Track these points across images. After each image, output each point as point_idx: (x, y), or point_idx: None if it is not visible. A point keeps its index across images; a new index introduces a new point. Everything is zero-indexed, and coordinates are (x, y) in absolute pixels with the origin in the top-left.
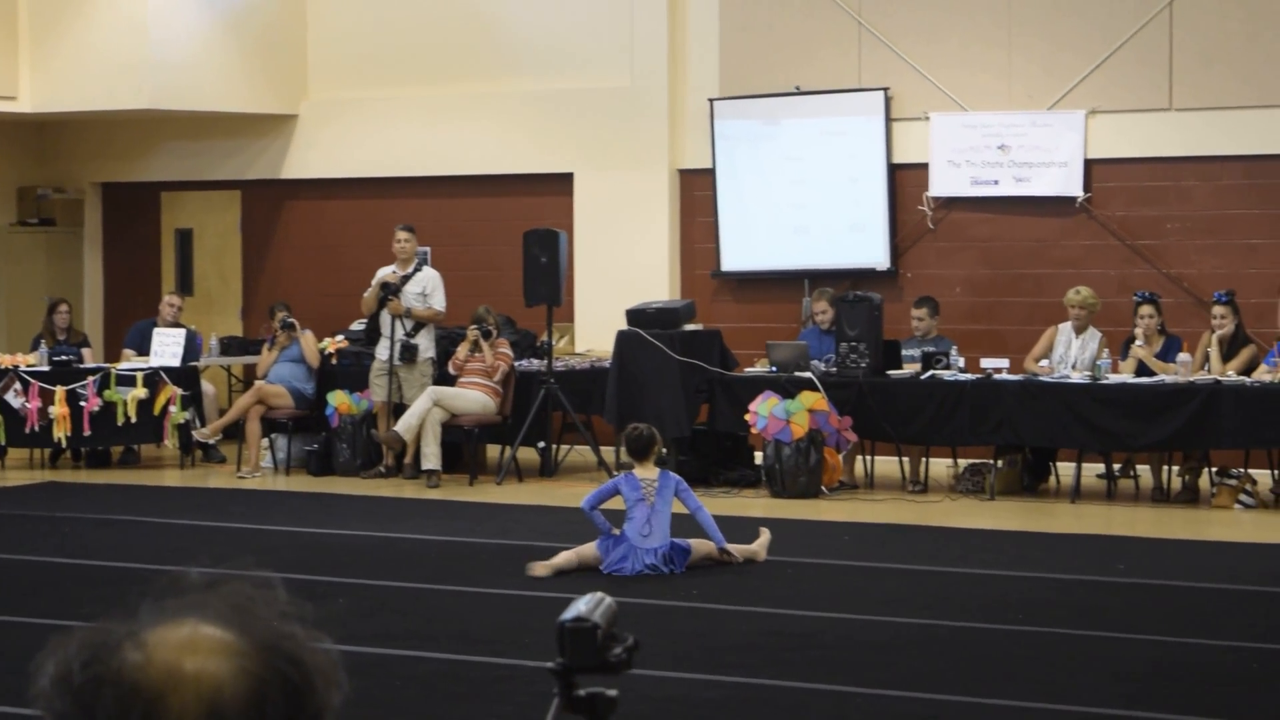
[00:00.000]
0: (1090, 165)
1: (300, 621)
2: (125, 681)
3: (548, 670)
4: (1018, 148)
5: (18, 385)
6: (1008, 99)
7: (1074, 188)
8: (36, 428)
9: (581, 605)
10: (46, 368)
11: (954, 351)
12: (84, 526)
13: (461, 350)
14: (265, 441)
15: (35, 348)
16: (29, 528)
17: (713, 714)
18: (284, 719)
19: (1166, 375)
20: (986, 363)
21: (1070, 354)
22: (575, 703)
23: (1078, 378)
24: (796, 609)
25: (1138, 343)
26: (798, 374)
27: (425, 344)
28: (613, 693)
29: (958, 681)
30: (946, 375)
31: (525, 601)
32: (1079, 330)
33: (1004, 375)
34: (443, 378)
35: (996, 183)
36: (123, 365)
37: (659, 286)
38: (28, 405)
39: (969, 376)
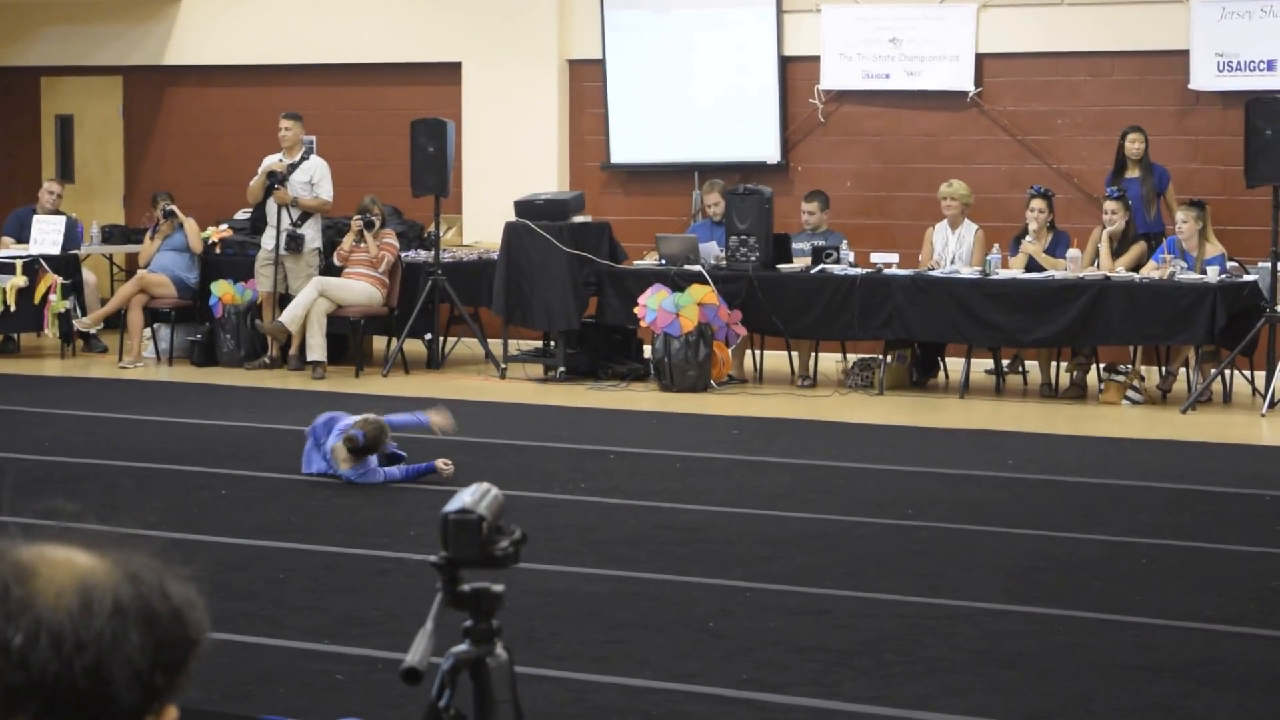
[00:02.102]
0: (981, 60)
1: (171, 567)
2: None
3: (430, 564)
4: (909, 41)
5: None
6: None
7: (965, 82)
8: None
9: (466, 496)
10: None
11: (844, 246)
12: None
13: (346, 241)
14: (148, 331)
15: None
16: None
17: (599, 608)
18: (147, 652)
19: (1056, 271)
20: (876, 257)
21: (949, 249)
22: (459, 598)
23: (968, 273)
24: (684, 503)
25: (1028, 238)
26: (687, 267)
27: (312, 234)
28: (499, 588)
29: (845, 576)
30: (836, 270)
31: (408, 494)
32: (954, 224)
33: (894, 270)
34: (329, 268)
35: (888, 76)
36: (2, 253)
37: (548, 178)
38: None
39: (859, 271)
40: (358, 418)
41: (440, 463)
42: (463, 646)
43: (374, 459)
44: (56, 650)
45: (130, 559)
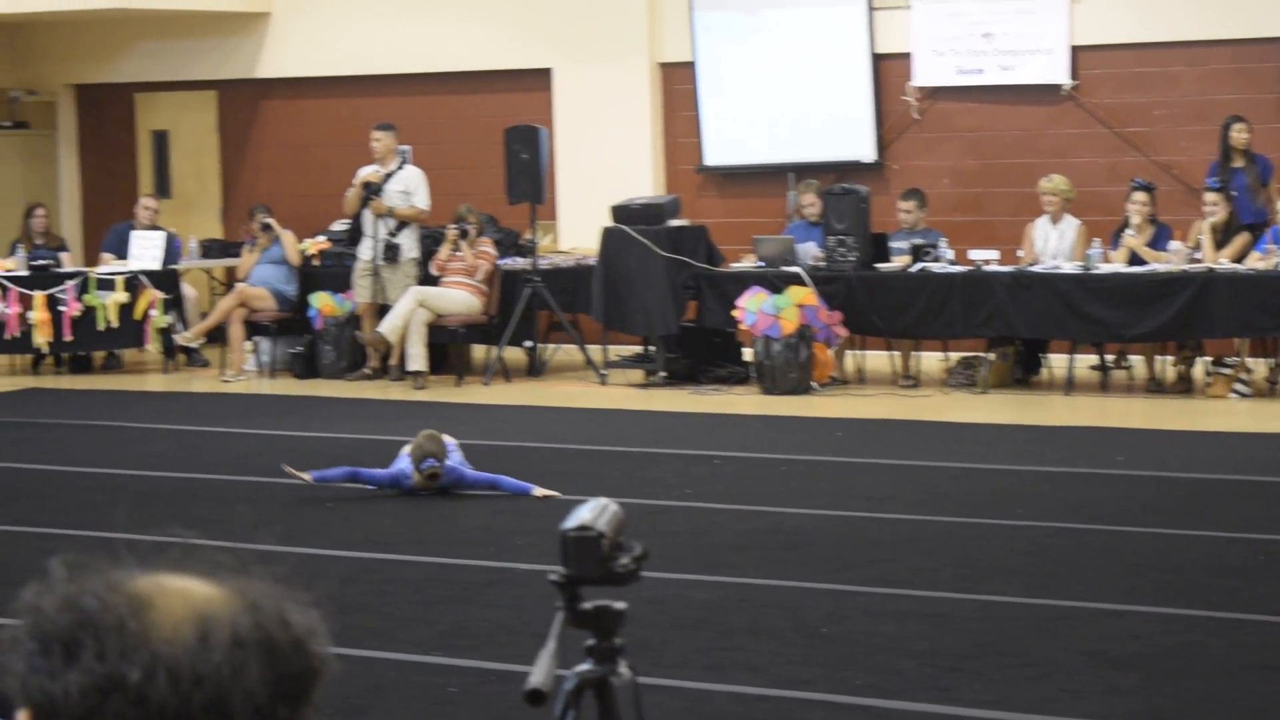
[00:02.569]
0: (1076, 52)
1: (291, 591)
2: (112, 591)
3: (550, 582)
4: (1002, 35)
5: None
6: None
7: (1060, 75)
8: (17, 333)
9: (585, 512)
10: (25, 272)
11: (943, 243)
12: (67, 433)
13: (443, 250)
14: (248, 345)
15: (13, 252)
16: (11, 434)
17: (709, 615)
18: (268, 685)
19: (1159, 264)
20: (975, 254)
21: (1049, 244)
22: (581, 617)
23: (1069, 268)
24: (790, 507)
25: (1129, 231)
26: (785, 269)
27: (408, 244)
28: (621, 605)
29: (956, 578)
30: (936, 268)
31: (514, 503)
32: (1055, 219)
33: (994, 267)
34: (426, 278)
35: (981, 71)
36: (102, 269)
37: (642, 182)
38: (7, 311)
39: (959, 268)
40: (410, 454)
41: (539, 491)
42: (586, 665)
43: (455, 459)
44: (175, 686)
45: (249, 587)
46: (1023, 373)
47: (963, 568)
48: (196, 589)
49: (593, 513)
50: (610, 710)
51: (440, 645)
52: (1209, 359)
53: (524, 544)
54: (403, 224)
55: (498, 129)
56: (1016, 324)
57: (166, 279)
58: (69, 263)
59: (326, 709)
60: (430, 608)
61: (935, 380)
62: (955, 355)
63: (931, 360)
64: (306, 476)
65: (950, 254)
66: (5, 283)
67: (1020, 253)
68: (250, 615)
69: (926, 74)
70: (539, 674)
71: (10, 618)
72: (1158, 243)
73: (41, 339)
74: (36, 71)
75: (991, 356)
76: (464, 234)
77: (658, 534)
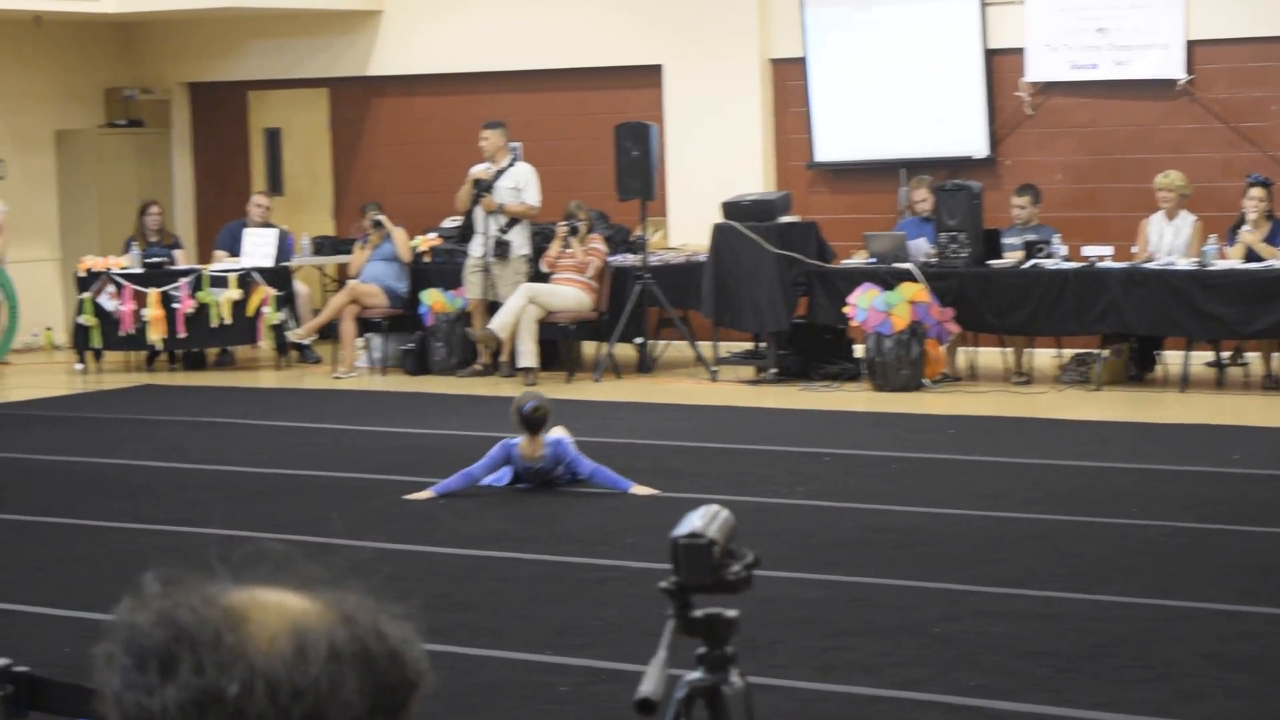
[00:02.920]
0: (1192, 46)
1: (383, 600)
2: (201, 603)
3: (661, 590)
4: (1116, 30)
5: (111, 288)
6: None
7: (1175, 70)
8: (131, 330)
9: (696, 519)
10: (139, 270)
11: (1056, 239)
12: (180, 429)
13: (553, 247)
14: (360, 341)
15: (127, 250)
16: (125, 431)
17: (820, 614)
18: (366, 696)
19: (1275, 260)
20: (1089, 250)
21: (1164, 241)
22: (692, 625)
23: (1185, 264)
24: (901, 505)
25: (1245, 227)
26: (896, 265)
27: (519, 240)
28: (732, 613)
29: (1070, 578)
30: (1049, 264)
31: (625, 500)
32: (1170, 215)
33: (1108, 263)
34: (538, 274)
35: (1095, 66)
36: (215, 266)
37: (752, 178)
38: (121, 308)
39: (1072, 265)
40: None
41: (638, 489)
42: (697, 674)
43: (567, 442)
44: (273, 699)
45: (344, 599)
46: (1137, 370)
47: (1077, 567)
48: (291, 602)
49: (704, 519)
50: (722, 719)
51: (551, 644)
52: None
53: (635, 542)
54: (514, 221)
55: (608, 125)
56: (1131, 320)
57: (279, 276)
58: (183, 260)
59: (438, 708)
60: (541, 606)
61: (1048, 377)
62: (1068, 352)
63: (1044, 357)
64: (428, 494)
65: (1064, 250)
66: (120, 280)
67: (1135, 249)
68: (346, 627)
69: (1040, 69)
70: (649, 683)
71: (106, 635)
72: (1274, 238)
73: (155, 336)
74: (151, 70)
75: (1105, 353)
76: (574, 230)
77: (768, 532)
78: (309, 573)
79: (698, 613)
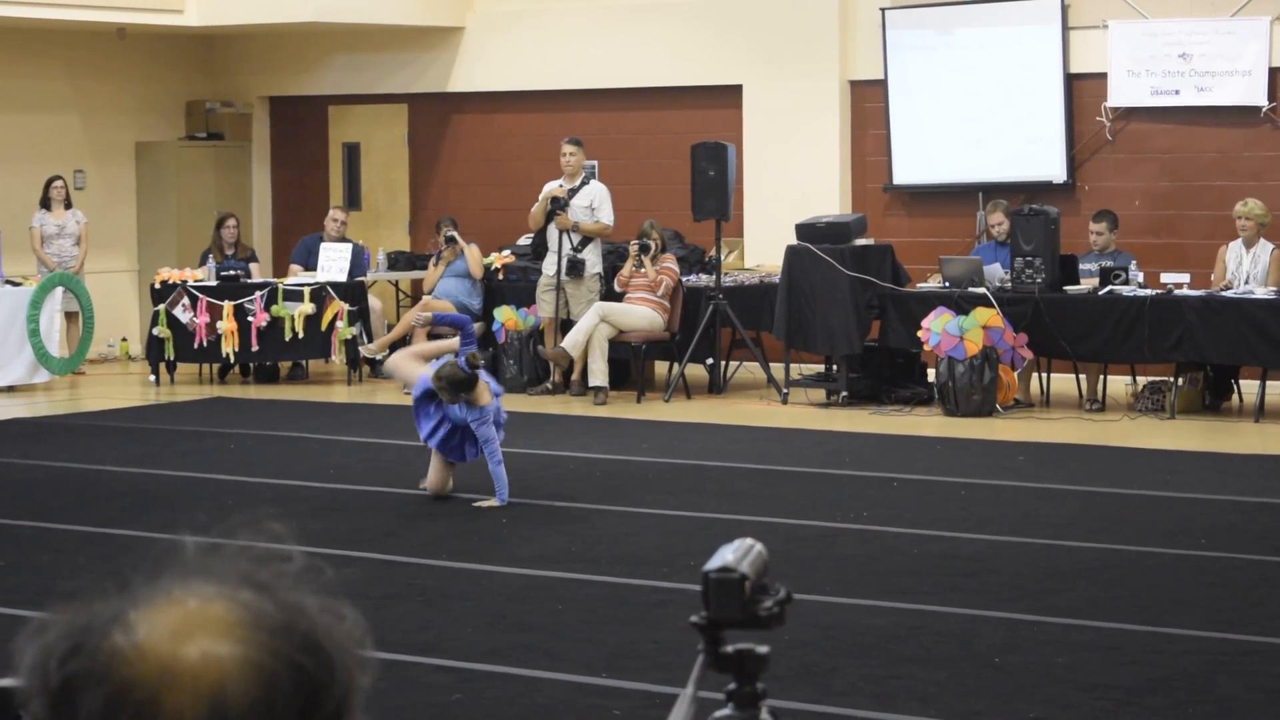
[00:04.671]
0: (1275, 74)
1: (317, 592)
2: (113, 679)
3: (691, 624)
4: (1200, 56)
5: (186, 300)
6: (1189, 5)
7: (1258, 97)
8: (204, 343)
9: (728, 554)
10: (214, 283)
11: (1133, 266)
12: (250, 442)
13: (626, 266)
14: None
15: (203, 263)
16: (195, 443)
17: (880, 641)
18: (298, 716)
19: None
20: (1167, 277)
21: (1242, 269)
22: (722, 660)
23: (1262, 293)
24: (969, 532)
25: None
26: (971, 289)
27: (593, 259)
28: (764, 649)
29: (1135, 609)
30: (1125, 291)
31: (690, 522)
32: (1248, 244)
33: (1185, 290)
34: (610, 293)
35: (1177, 92)
36: (290, 280)
37: (829, 200)
38: (195, 320)
39: (1149, 292)
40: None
41: (485, 503)
42: (726, 711)
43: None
44: None
45: (276, 609)
46: (1212, 399)
47: (1143, 599)
48: (210, 662)
49: (736, 554)
50: None
51: (608, 666)
52: None
53: (696, 565)
54: (587, 239)
55: (685, 145)
56: (1206, 349)
57: (353, 291)
58: (258, 273)
59: None
60: (600, 628)
61: (1122, 405)
62: (1143, 380)
63: (1118, 384)
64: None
65: (1140, 277)
66: (195, 292)
67: (1212, 276)
68: (269, 647)
69: (1121, 94)
70: (676, 718)
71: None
72: None
73: (228, 349)
74: (232, 84)
75: (1180, 382)
76: (645, 249)
77: (832, 557)
78: (234, 566)
79: (728, 648)
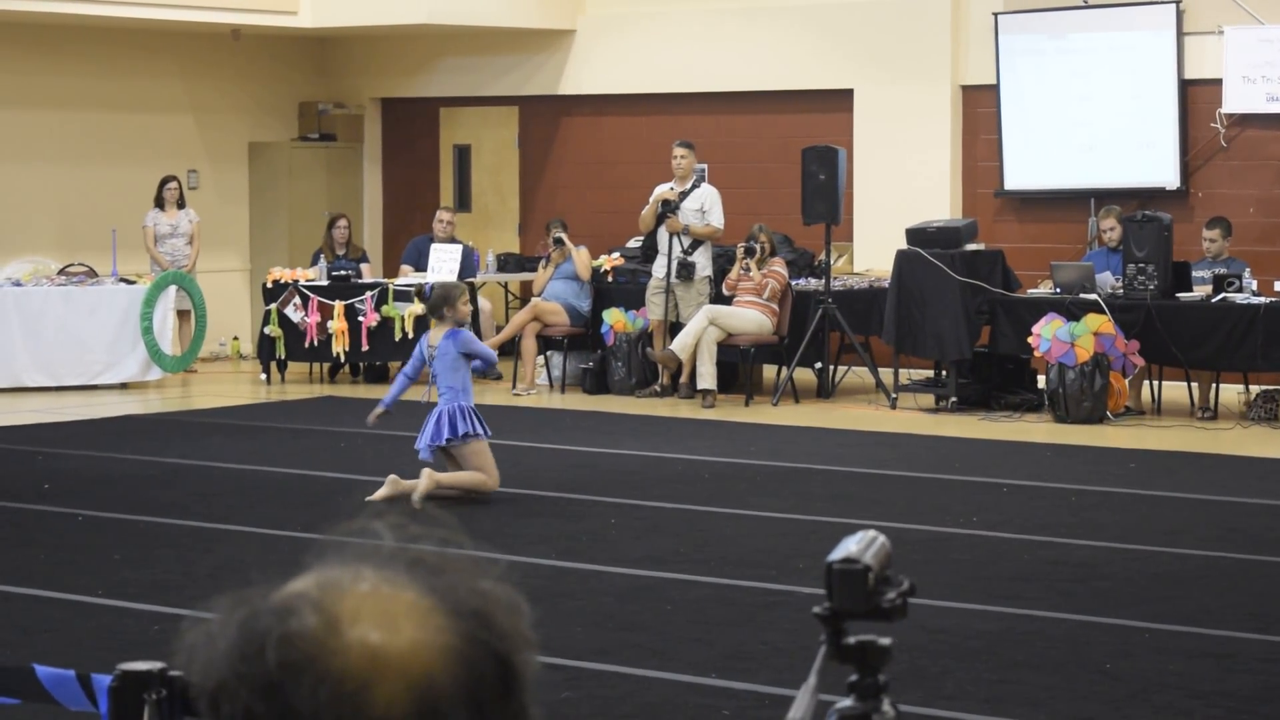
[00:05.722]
0: None
1: (491, 577)
2: (322, 670)
3: (814, 615)
4: None
5: (297, 299)
6: None
7: None
8: (315, 342)
9: (852, 545)
10: (325, 282)
11: (1247, 274)
12: (360, 441)
13: (735, 269)
14: (541, 359)
15: (315, 262)
16: (306, 442)
17: (990, 646)
18: (498, 700)
19: None
20: None
21: None
22: (844, 651)
23: None
24: (1079, 539)
25: None
26: (1083, 295)
27: (703, 262)
28: (886, 641)
29: (1248, 617)
30: (1239, 298)
31: (798, 525)
32: None
33: None
34: (718, 296)
35: None
36: (400, 281)
37: (940, 205)
38: (307, 320)
39: (1263, 300)
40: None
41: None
42: (847, 702)
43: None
44: None
45: (463, 594)
46: None
47: (1256, 607)
48: (417, 651)
49: (860, 545)
50: None
51: (717, 667)
52: None
53: (805, 567)
54: (697, 242)
55: (796, 149)
56: None
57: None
58: (368, 274)
59: None
60: (709, 628)
61: (1234, 413)
62: (1255, 388)
63: (1230, 393)
64: (380, 410)
65: (1254, 284)
66: (306, 292)
67: None
68: (463, 631)
69: (1236, 100)
70: (799, 709)
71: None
72: None
73: (339, 348)
74: (344, 85)
75: None
76: (750, 251)
77: (942, 561)
78: (415, 553)
79: (850, 639)
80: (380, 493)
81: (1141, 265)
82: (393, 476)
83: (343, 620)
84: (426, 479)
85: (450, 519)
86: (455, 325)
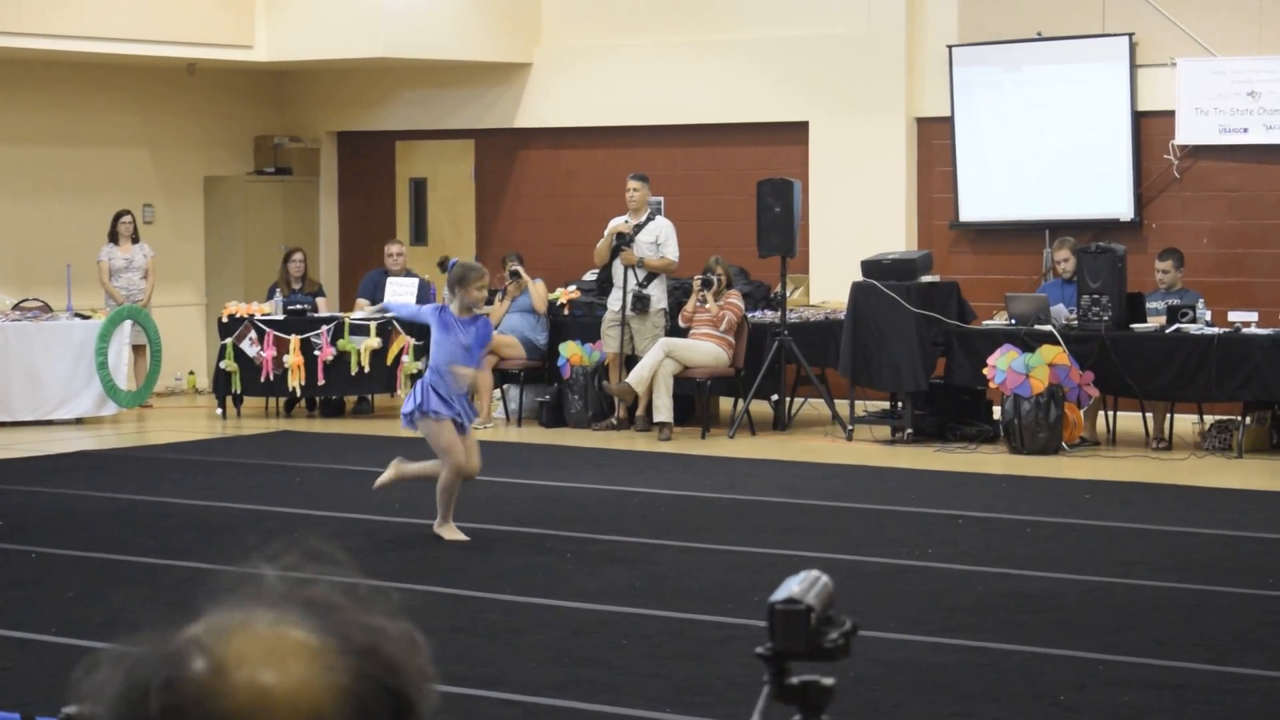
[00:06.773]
0: None
1: (385, 612)
2: (211, 713)
3: (756, 655)
4: (1268, 94)
5: (253, 334)
6: (1258, 43)
7: None
8: (271, 376)
9: (794, 585)
10: (281, 316)
11: (1200, 304)
12: (316, 476)
13: (690, 302)
14: (497, 392)
15: (271, 296)
16: (262, 476)
17: (945, 678)
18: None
19: None
20: (1235, 316)
21: None
22: (788, 691)
23: None
24: (1034, 570)
25: None
26: (1038, 327)
27: (658, 295)
28: (829, 681)
29: (1202, 649)
30: (1193, 329)
31: (754, 558)
32: None
33: (1253, 329)
34: (675, 329)
35: (1246, 130)
36: (356, 314)
37: (895, 237)
38: (263, 354)
39: (1216, 330)
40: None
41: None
42: None
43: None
44: None
45: (355, 631)
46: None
47: (1209, 638)
48: (303, 689)
49: (802, 586)
50: None
51: (671, 701)
52: None
53: (760, 601)
54: (652, 275)
55: (751, 181)
56: (1274, 388)
57: (419, 325)
58: (325, 308)
59: None
60: (664, 663)
61: (1188, 444)
62: (1210, 418)
63: (1185, 423)
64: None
65: (1208, 315)
66: (262, 326)
67: None
68: (357, 670)
69: (1189, 132)
70: None
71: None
72: None
73: (295, 382)
74: (300, 119)
75: (1248, 420)
76: (707, 284)
77: (897, 593)
78: (305, 589)
79: (794, 679)
80: (384, 477)
81: (1096, 296)
82: (398, 459)
83: (229, 662)
84: (393, 469)
85: (345, 556)
86: (467, 309)
